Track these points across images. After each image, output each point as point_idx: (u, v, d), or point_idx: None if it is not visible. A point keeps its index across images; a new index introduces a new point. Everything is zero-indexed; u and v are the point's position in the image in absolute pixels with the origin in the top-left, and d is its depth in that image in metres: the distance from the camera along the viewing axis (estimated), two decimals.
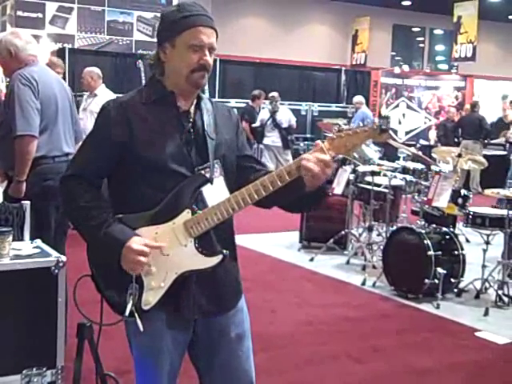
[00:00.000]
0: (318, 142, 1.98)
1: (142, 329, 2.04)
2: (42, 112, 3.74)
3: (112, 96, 6.93)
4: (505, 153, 12.27)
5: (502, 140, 12.50)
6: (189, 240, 2.04)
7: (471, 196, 5.77)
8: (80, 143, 4.52)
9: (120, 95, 2.21)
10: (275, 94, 10.75)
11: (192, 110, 2.13)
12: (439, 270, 5.20)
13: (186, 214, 2.02)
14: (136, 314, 2.03)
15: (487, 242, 5.43)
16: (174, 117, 2.09)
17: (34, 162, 3.72)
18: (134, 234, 2.01)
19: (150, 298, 2.04)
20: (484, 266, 5.40)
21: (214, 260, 2.04)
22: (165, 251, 2.03)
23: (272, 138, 10.61)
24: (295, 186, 1.97)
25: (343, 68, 15.90)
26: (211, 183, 2.06)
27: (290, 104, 11.35)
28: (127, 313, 2.02)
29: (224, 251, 2.05)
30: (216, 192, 2.07)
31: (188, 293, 2.08)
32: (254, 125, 11.12)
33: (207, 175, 2.06)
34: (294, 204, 2.15)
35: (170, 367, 2.15)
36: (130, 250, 1.98)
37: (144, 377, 2.18)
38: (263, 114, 10.87)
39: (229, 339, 2.20)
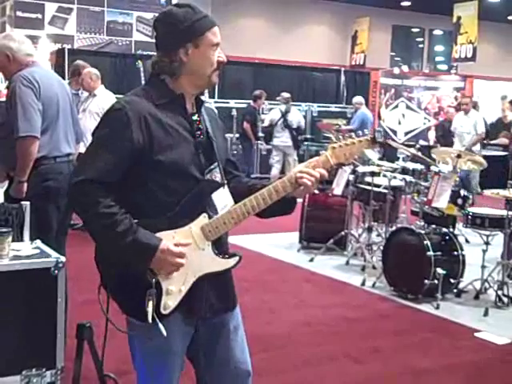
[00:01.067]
0: (300, 168, 2.12)
1: (165, 333, 2.03)
2: (43, 113, 3.74)
3: (111, 96, 6.94)
4: (505, 153, 12.25)
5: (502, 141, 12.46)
6: (206, 244, 2.08)
7: (471, 197, 5.77)
8: (81, 144, 4.51)
9: (120, 96, 2.18)
10: (288, 94, 10.80)
11: (196, 112, 2.16)
12: (439, 270, 5.19)
13: (203, 219, 2.06)
14: (157, 319, 2.02)
15: (487, 243, 5.44)
16: (184, 119, 2.10)
17: (34, 163, 3.72)
18: (159, 239, 2.00)
19: (170, 302, 2.05)
20: (483, 267, 5.40)
21: (231, 262, 2.11)
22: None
23: (282, 139, 10.67)
24: None
25: (342, 68, 15.90)
26: (223, 187, 2.12)
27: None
28: (150, 319, 2.00)
29: (239, 253, 2.12)
30: (222, 195, 2.11)
31: (201, 293, 2.11)
32: (263, 124, 11.16)
33: (217, 179, 2.11)
34: (269, 211, 2.18)
35: (180, 365, 2.18)
36: (171, 253, 1.99)
37: (154, 379, 2.17)
38: (273, 114, 10.90)
39: (227, 332, 2.24)
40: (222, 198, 2.10)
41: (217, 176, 2.13)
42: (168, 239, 2.02)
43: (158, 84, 2.12)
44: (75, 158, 3.92)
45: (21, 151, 3.67)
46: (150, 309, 2.00)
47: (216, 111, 2.42)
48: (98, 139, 2.06)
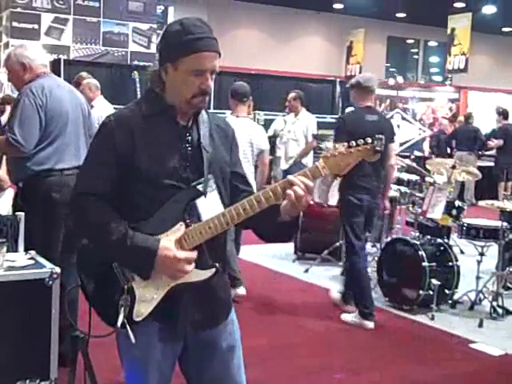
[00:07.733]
0: (290, 177, 1.97)
1: (133, 341, 2.03)
2: (49, 125, 3.73)
3: (109, 107, 6.94)
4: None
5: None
6: None
7: (465, 207, 5.78)
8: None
9: (118, 106, 2.20)
10: None
11: (189, 124, 2.13)
12: (434, 281, 5.20)
13: (180, 227, 2.03)
14: (127, 326, 2.03)
15: (481, 254, 5.44)
16: (173, 131, 2.09)
17: (40, 175, 3.71)
18: (158, 240, 2.00)
19: (143, 310, 2.04)
20: (478, 278, 5.41)
21: (207, 273, 2.04)
22: None
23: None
24: (271, 211, 2.00)
25: (338, 80, 15.94)
26: (205, 197, 2.06)
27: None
28: (119, 324, 2.02)
29: (216, 265, 2.05)
30: (210, 206, 2.07)
31: (180, 304, 2.08)
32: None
33: (201, 189, 2.06)
34: (267, 232, 2.17)
35: (159, 378, 2.14)
36: (176, 260, 1.97)
37: None
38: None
39: (220, 350, 2.19)
40: (210, 209, 2.05)
41: (202, 187, 2.07)
42: None
43: (150, 96, 2.14)
44: None
45: (4, 146, 3.72)
46: (121, 314, 2.01)
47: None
48: (88, 153, 2.16)
